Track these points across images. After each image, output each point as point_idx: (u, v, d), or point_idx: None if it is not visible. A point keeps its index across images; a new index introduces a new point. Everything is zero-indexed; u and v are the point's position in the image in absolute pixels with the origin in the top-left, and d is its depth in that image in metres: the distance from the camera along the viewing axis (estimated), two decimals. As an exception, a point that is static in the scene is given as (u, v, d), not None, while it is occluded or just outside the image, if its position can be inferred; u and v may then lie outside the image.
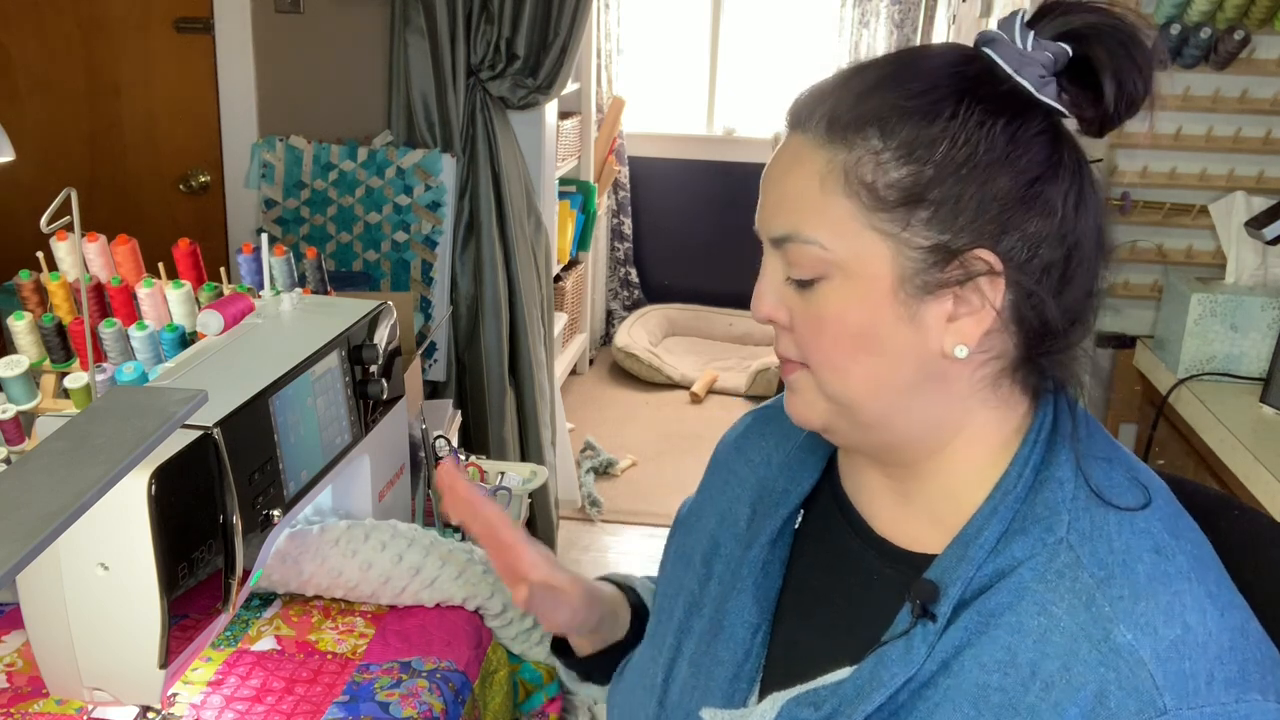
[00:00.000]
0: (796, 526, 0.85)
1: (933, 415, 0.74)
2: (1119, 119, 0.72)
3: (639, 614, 1.00)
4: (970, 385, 0.73)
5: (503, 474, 1.52)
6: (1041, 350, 0.73)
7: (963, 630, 0.70)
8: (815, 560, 0.84)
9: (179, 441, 0.86)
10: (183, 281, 1.33)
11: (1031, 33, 0.71)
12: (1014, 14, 0.72)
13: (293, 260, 1.40)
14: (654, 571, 1.00)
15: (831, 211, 0.70)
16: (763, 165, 0.79)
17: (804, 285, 0.73)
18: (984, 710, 0.67)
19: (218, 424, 0.90)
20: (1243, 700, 0.64)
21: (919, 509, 0.77)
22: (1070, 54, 0.71)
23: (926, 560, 0.74)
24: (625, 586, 1.02)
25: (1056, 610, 0.67)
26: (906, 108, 0.69)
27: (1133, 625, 0.65)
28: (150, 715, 0.96)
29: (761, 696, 0.80)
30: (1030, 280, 0.70)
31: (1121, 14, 0.71)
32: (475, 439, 2.59)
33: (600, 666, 0.99)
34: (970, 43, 0.74)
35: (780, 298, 0.75)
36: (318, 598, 1.20)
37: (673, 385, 4.24)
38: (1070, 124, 0.73)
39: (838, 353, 0.73)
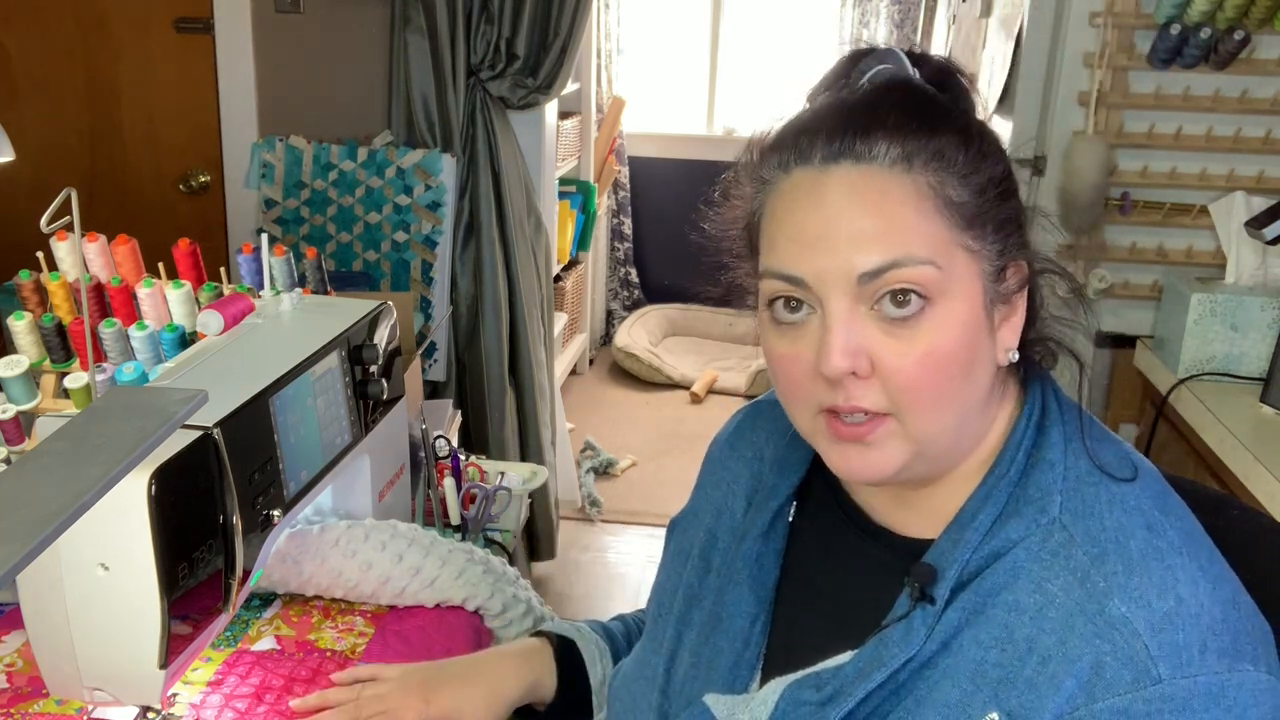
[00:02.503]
0: (791, 519, 0.86)
1: (976, 429, 0.76)
2: None
3: (569, 667, 1.02)
4: (994, 390, 0.76)
5: (503, 474, 1.52)
6: (1031, 335, 0.77)
7: (961, 611, 0.71)
8: (812, 550, 0.85)
9: (179, 441, 0.86)
10: (183, 281, 1.33)
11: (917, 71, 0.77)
12: (897, 50, 0.77)
13: (293, 260, 1.40)
14: (654, 571, 1.01)
15: (932, 233, 0.70)
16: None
17: (901, 321, 0.69)
18: (982, 685, 0.69)
19: (218, 424, 0.90)
20: (1235, 670, 0.65)
21: (917, 500, 0.78)
22: None
23: (922, 545, 0.76)
24: (559, 638, 1.04)
25: (1052, 587, 0.69)
26: (966, 128, 0.73)
27: (1127, 599, 0.67)
28: (150, 715, 0.96)
29: (763, 682, 0.81)
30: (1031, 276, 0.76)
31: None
32: (475, 439, 2.59)
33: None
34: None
35: (863, 342, 0.69)
36: (318, 598, 1.20)
37: (673, 385, 4.24)
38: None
39: (946, 384, 0.70)
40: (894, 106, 0.71)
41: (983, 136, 0.73)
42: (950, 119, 0.72)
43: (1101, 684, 0.65)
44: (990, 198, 0.72)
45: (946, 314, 0.69)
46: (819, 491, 0.86)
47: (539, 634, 1.05)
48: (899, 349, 0.69)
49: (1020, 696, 0.67)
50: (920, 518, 0.78)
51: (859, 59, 0.76)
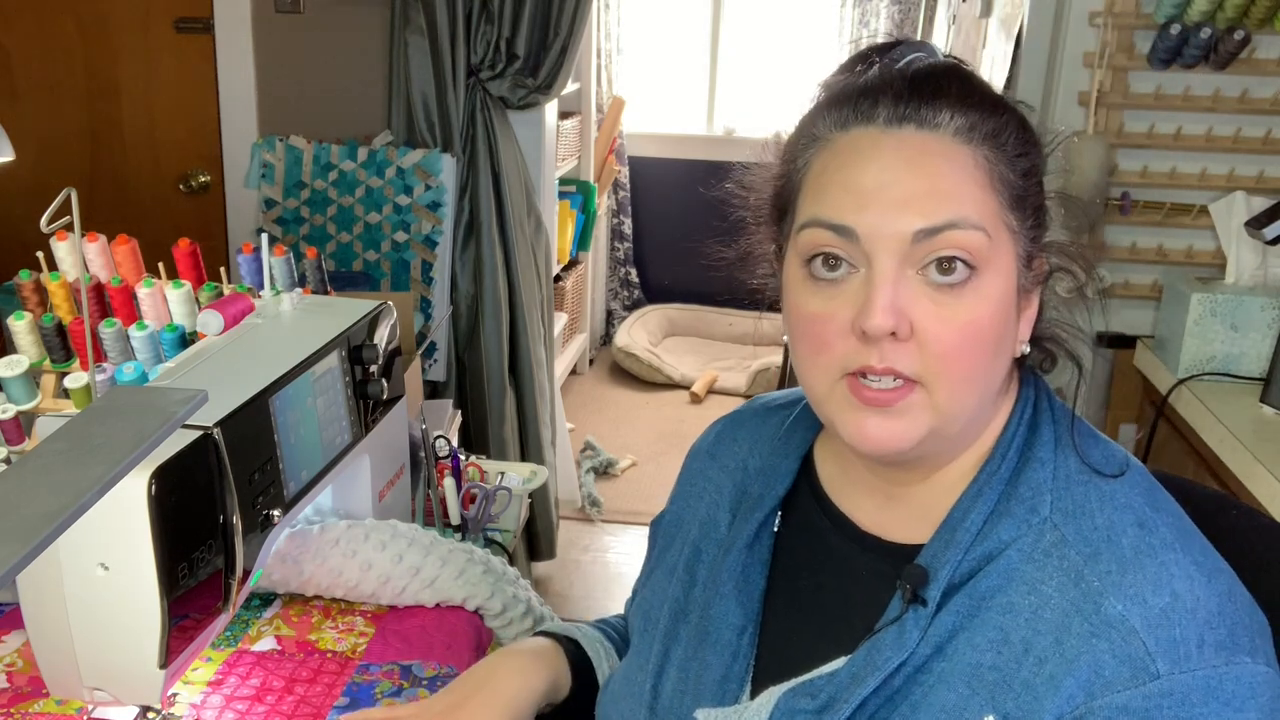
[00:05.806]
0: (776, 529, 0.85)
1: (984, 417, 0.76)
2: None
3: (579, 669, 0.98)
4: (1005, 382, 0.76)
5: (503, 474, 1.52)
6: (1036, 333, 0.77)
7: (955, 614, 0.71)
8: (800, 559, 0.84)
9: (179, 441, 0.86)
10: (183, 281, 1.33)
11: None
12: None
13: (293, 260, 1.40)
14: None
15: (986, 203, 0.71)
16: (763, 165, 0.79)
17: (946, 288, 0.69)
18: (978, 689, 0.69)
19: (218, 424, 0.90)
20: (1232, 663, 0.66)
21: (906, 504, 0.78)
22: None
23: (912, 551, 0.76)
24: (564, 638, 1.00)
25: (1046, 588, 0.69)
26: (1021, 114, 0.74)
27: (1122, 596, 0.67)
28: (150, 715, 0.96)
29: (755, 694, 0.80)
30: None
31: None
32: (475, 439, 2.59)
33: None
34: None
35: (906, 305, 0.69)
36: (318, 598, 1.20)
37: (673, 385, 4.24)
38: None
39: (979, 359, 0.70)
40: (957, 81, 0.72)
41: (1025, 125, 0.74)
42: (1003, 102, 0.74)
43: (1100, 682, 0.65)
44: (1031, 184, 0.73)
45: (989, 287, 0.70)
46: (804, 501, 0.85)
47: (541, 634, 1.04)
48: (942, 315, 0.69)
49: (1017, 699, 0.67)
50: (909, 521, 0.78)
51: (891, 47, 0.76)
